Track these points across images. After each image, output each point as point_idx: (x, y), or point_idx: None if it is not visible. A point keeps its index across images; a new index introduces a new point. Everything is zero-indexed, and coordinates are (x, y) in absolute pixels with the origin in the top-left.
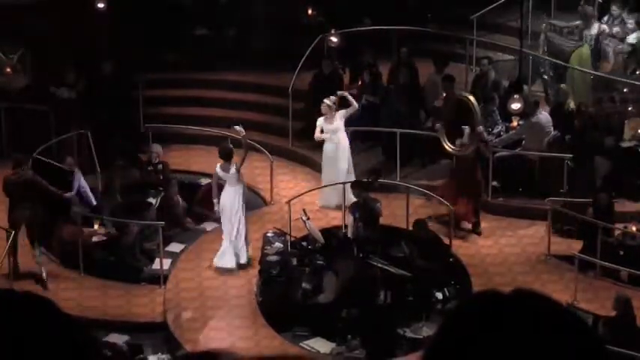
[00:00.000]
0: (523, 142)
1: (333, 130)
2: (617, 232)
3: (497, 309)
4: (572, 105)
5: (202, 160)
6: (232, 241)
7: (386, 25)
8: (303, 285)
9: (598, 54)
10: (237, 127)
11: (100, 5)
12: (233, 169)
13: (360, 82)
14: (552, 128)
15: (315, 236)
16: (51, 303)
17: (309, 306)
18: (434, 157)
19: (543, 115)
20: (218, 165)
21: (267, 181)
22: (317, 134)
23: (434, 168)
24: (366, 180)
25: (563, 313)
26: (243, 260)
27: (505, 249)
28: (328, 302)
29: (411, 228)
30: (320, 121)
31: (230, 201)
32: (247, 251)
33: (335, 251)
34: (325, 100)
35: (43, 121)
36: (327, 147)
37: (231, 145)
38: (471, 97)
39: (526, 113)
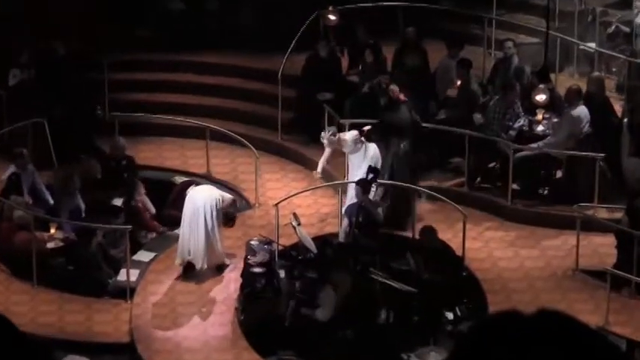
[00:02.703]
0: (548, 138)
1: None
2: None
3: (517, 332)
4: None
5: (176, 155)
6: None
7: (391, 1)
8: (292, 301)
9: None
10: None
11: None
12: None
13: (360, 67)
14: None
15: (307, 244)
16: (3, 318)
17: (301, 324)
18: (445, 155)
19: (582, 108)
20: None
21: (251, 180)
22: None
23: (444, 167)
24: (365, 179)
25: (593, 337)
26: (198, 265)
27: (526, 262)
28: (325, 320)
29: (417, 236)
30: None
31: (202, 201)
32: (203, 259)
33: (330, 262)
34: (323, 139)
35: None
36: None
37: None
38: None
39: (560, 105)
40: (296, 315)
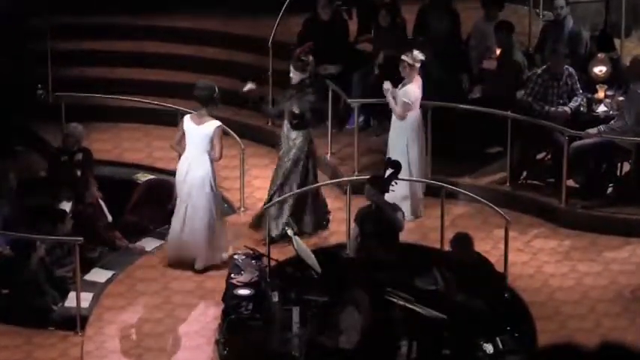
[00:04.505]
0: (612, 121)
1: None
2: None
3: None
4: None
5: (139, 146)
6: (183, 240)
7: None
8: (304, 329)
9: None
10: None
11: None
12: (209, 125)
13: (373, 32)
14: None
15: (307, 259)
16: None
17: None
18: (481, 144)
19: None
20: (188, 116)
21: (235, 177)
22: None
23: (481, 159)
24: (381, 176)
25: None
26: (198, 265)
27: (586, 280)
28: (351, 347)
29: (448, 248)
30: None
31: (201, 176)
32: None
33: (337, 282)
34: (405, 58)
35: None
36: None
37: (213, 85)
38: None
39: (624, 79)
40: (312, 345)
